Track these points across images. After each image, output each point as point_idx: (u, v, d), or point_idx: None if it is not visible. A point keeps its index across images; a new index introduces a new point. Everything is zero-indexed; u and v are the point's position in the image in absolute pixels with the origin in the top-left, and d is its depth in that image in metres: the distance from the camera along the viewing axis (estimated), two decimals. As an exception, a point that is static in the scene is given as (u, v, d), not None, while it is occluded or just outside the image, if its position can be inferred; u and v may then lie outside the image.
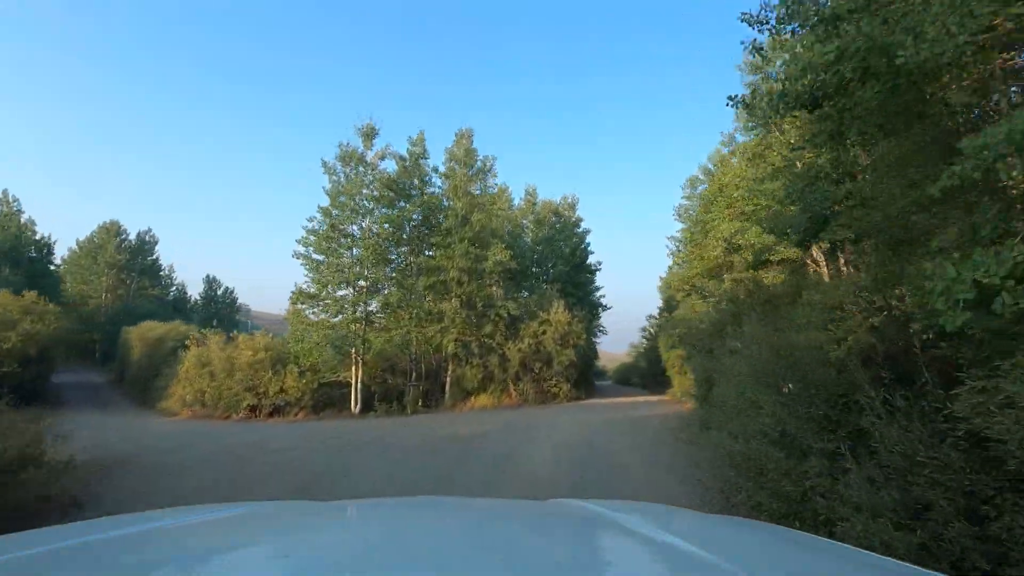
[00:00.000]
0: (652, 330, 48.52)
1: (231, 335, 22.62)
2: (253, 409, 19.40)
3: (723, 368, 9.35)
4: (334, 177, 20.96)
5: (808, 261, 12.17)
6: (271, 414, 19.74)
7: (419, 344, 21.75)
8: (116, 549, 1.19)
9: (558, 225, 32.13)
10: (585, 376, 29.02)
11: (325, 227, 20.43)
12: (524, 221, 32.61)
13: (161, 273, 48.17)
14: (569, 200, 33.24)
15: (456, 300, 21.03)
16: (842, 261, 10.63)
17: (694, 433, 11.25)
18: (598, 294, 34.70)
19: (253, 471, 8.96)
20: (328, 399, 21.32)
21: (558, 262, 30.81)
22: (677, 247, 21.75)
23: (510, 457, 9.97)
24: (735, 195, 14.79)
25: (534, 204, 32.53)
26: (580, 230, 32.71)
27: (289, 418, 19.34)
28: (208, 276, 48.88)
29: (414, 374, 22.09)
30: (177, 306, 45.95)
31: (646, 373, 42.46)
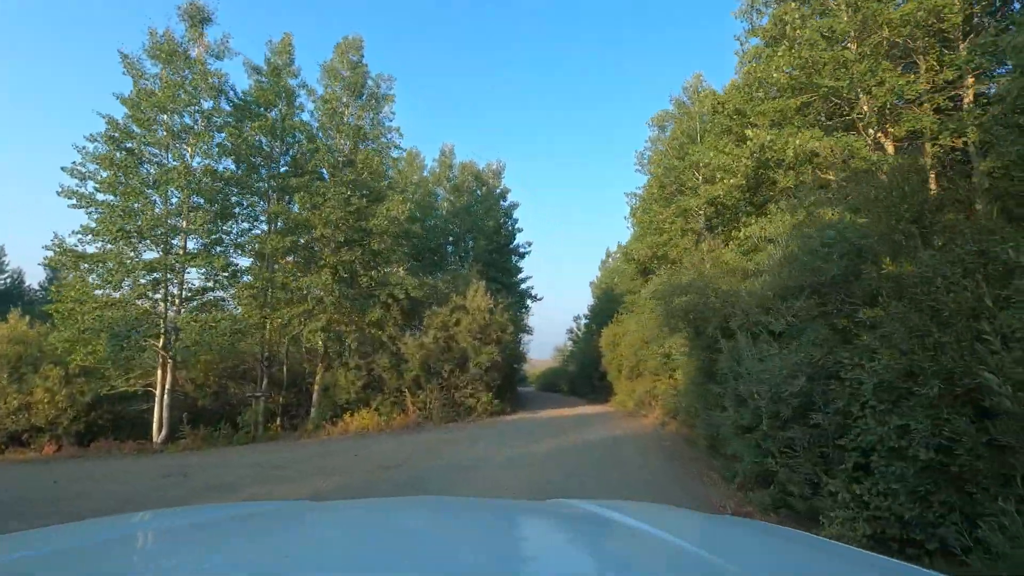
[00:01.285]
0: (579, 333, 43.83)
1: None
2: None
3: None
4: (142, 81, 13.62)
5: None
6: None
7: (272, 336, 14.77)
8: (114, 550, 1.17)
9: (480, 194, 26.07)
10: (510, 383, 23.11)
11: (121, 154, 13.03)
12: (438, 190, 26.23)
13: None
14: (494, 167, 27.34)
15: (328, 272, 14.29)
16: None
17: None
18: (527, 283, 28.98)
19: None
20: (115, 422, 13.84)
21: (479, 238, 24.72)
22: (640, 206, 16.35)
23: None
24: (756, 104, 9.42)
25: (450, 167, 26.21)
26: (507, 203, 26.87)
27: (27, 455, 11.77)
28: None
29: (265, 380, 15.07)
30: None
31: (576, 379, 37.28)
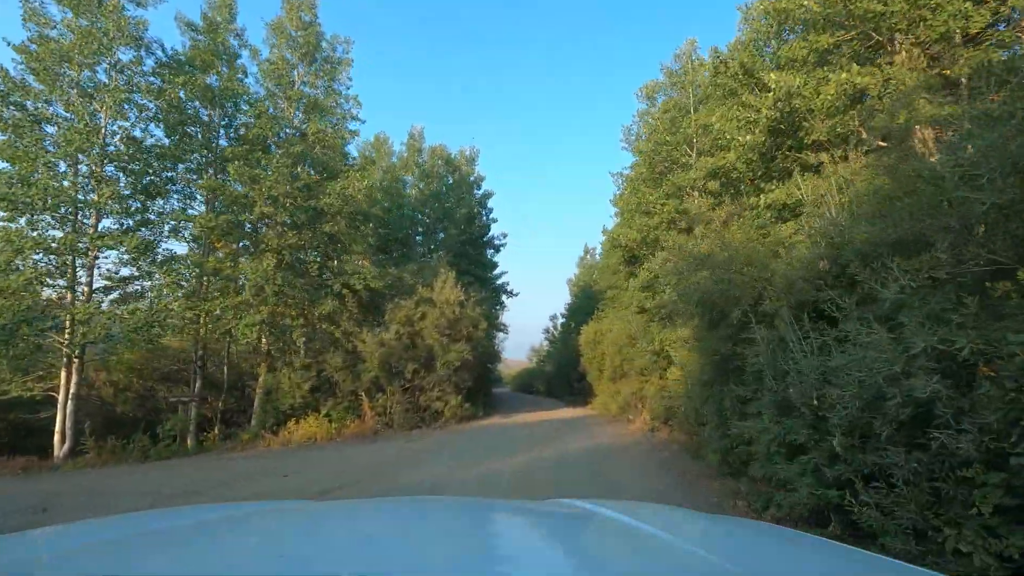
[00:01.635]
0: (555, 333, 42.03)
1: None
2: None
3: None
4: (48, 30, 11.45)
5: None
6: None
7: (209, 332, 12.69)
8: (112, 550, 1.16)
9: (451, 181, 24.19)
10: (483, 384, 21.33)
11: (11, 111, 10.85)
12: (407, 177, 24.23)
13: None
14: (467, 152, 25.48)
15: (270, 258, 12.27)
16: None
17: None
18: (503, 278, 27.18)
19: None
20: (14, 432, 11.65)
21: (449, 227, 22.85)
22: (627, 187, 14.66)
23: None
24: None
25: (419, 151, 24.23)
26: (481, 192, 25.02)
27: None
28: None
29: (198, 383, 12.98)
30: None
31: (553, 379, 35.59)
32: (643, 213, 13.00)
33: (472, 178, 24.90)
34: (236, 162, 11.68)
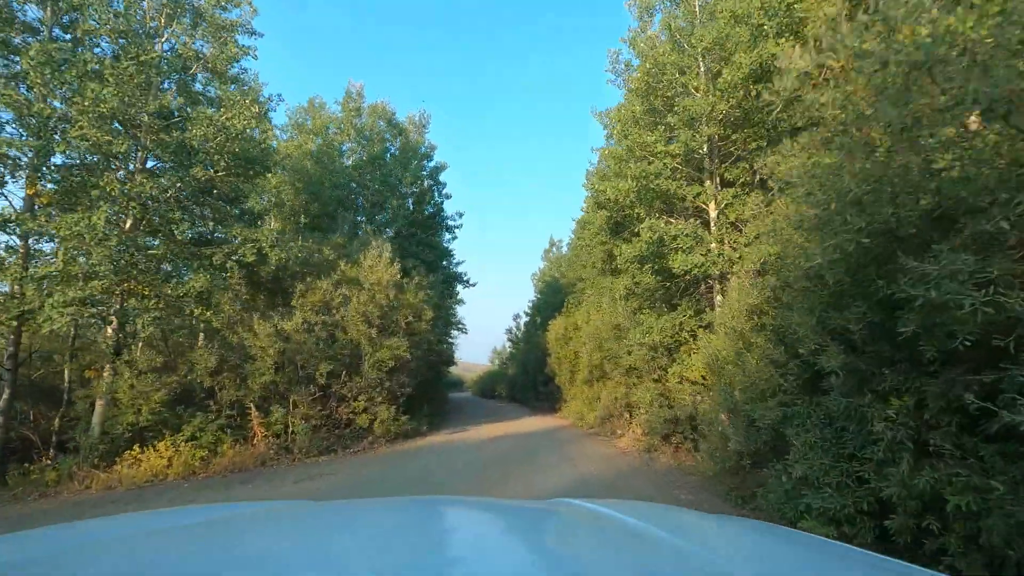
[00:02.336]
0: (519, 333, 38.25)
1: None
2: None
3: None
4: None
5: None
6: None
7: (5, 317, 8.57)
8: (110, 551, 1.15)
9: (395, 150, 20.39)
10: (433, 391, 17.69)
11: None
12: (345, 146, 20.27)
13: None
14: (417, 118, 21.72)
15: (104, 210, 8.26)
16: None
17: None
18: (460, 267, 23.54)
19: None
20: None
21: (391, 200, 19.05)
22: (618, 129, 11.25)
23: None
24: None
25: (358, 112, 20.25)
26: (433, 164, 21.33)
27: None
28: None
29: (5, 392, 8.84)
30: None
31: (517, 383, 32.00)
32: (639, 160, 9.69)
33: (423, 148, 21.20)
34: (36, 56, 7.66)
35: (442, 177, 21.41)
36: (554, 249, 38.47)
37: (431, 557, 1.10)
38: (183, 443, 8.62)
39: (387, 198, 18.56)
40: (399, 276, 12.59)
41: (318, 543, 1.19)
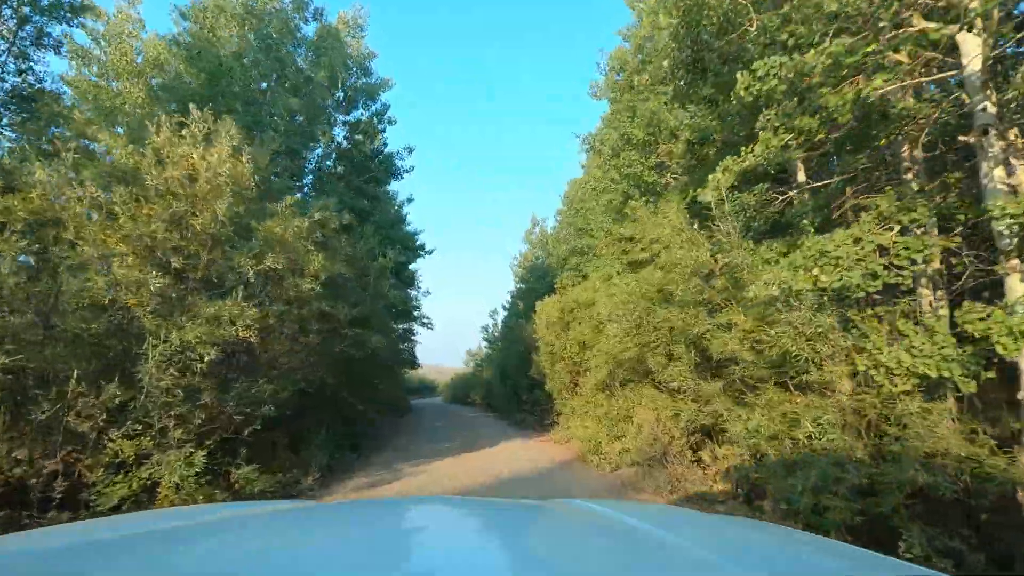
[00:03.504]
0: (495, 332, 31.29)
1: None
2: None
3: None
4: None
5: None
6: None
7: None
8: (107, 551, 1.12)
9: (320, 52, 13.83)
10: (349, 411, 11.03)
11: None
12: (233, 36, 13.66)
13: None
14: (349, 18, 15.23)
15: None
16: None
17: None
18: (410, 226, 17.13)
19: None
20: None
21: (313, 123, 12.52)
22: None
23: None
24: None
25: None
26: (371, 80, 14.91)
27: None
28: None
29: None
30: None
31: (495, 389, 25.31)
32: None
33: (365, 53, 14.77)
34: None
35: (372, 76, 15.08)
36: (536, 229, 32.24)
37: (431, 557, 1.09)
38: None
39: (287, 104, 11.92)
40: (251, 180, 6.21)
41: (337, 543, 1.18)
